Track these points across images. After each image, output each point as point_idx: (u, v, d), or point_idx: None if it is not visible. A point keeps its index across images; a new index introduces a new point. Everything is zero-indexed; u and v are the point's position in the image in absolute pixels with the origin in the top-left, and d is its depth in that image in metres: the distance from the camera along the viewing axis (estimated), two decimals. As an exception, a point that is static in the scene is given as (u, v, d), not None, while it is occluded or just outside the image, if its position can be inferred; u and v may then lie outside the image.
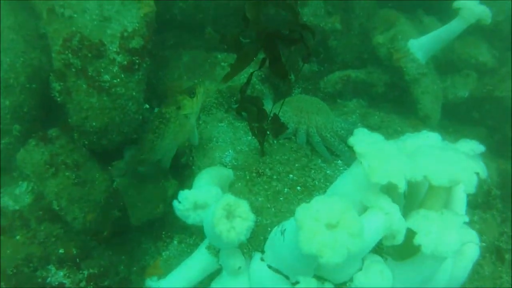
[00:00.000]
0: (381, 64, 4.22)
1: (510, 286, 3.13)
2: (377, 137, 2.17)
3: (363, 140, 2.12)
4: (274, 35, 2.53)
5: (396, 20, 4.29)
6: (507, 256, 3.26)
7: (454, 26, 3.81)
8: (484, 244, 3.23)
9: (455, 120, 4.46)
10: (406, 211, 2.28)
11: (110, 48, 3.17)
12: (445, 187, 2.12)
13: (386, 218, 2.09)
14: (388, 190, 2.16)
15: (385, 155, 2.05)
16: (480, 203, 3.54)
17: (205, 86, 3.13)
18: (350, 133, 3.17)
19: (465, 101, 4.40)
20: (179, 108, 2.94)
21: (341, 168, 3.01)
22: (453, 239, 2.01)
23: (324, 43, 4.29)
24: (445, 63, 4.49)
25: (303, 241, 1.82)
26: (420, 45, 4.00)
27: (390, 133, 3.73)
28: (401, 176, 2.00)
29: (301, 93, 4.09)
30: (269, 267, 2.28)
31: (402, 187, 1.99)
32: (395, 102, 4.24)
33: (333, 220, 1.85)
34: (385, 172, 1.99)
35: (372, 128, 3.78)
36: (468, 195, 2.79)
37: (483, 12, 3.72)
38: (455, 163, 2.10)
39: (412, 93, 3.99)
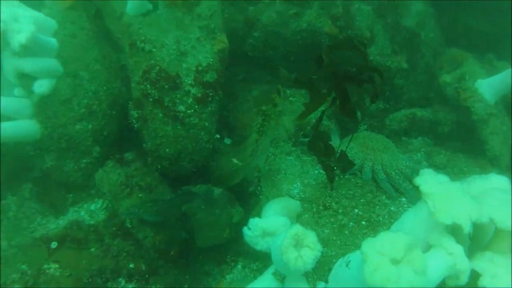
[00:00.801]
0: (447, 103, 4.21)
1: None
2: (443, 178, 2.21)
3: (429, 181, 2.17)
4: (344, 77, 2.64)
5: (464, 60, 4.29)
6: None
7: None
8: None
9: None
10: (471, 252, 2.30)
11: (186, 80, 3.36)
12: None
13: (449, 258, 2.11)
14: (453, 230, 2.18)
15: (451, 196, 2.09)
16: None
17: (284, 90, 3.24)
18: (415, 171, 3.26)
19: None
20: (275, 105, 3.05)
21: (405, 206, 3.04)
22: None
23: (390, 82, 4.33)
24: None
25: (368, 274, 1.89)
26: (489, 85, 3.95)
27: (456, 173, 3.71)
28: (466, 218, 2.03)
29: (367, 129, 4.14)
30: (333, 297, 2.35)
31: (466, 228, 2.02)
32: (462, 141, 4.19)
33: (398, 256, 1.90)
34: (450, 213, 2.03)
35: (437, 167, 3.79)
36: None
37: None
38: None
39: (480, 134, 3.93)
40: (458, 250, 2.13)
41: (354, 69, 2.74)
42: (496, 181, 2.46)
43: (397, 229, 2.39)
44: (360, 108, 3.88)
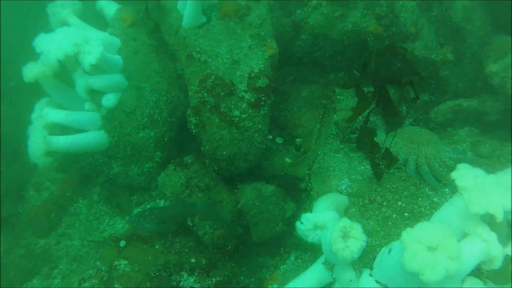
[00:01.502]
0: (494, 92, 4.22)
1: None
2: (478, 171, 2.37)
3: (464, 174, 2.33)
4: (387, 81, 2.86)
5: (510, 48, 4.31)
6: None
7: None
8: None
9: None
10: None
11: (240, 87, 3.60)
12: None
13: (484, 245, 2.28)
14: (488, 220, 2.34)
15: (484, 188, 2.25)
16: None
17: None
18: (459, 162, 3.38)
19: None
20: (332, 101, 3.25)
21: (448, 196, 3.16)
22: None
23: (435, 74, 4.42)
24: None
25: (406, 260, 2.11)
26: None
27: (502, 162, 3.74)
28: (499, 207, 2.19)
29: (412, 123, 4.21)
30: (377, 282, 2.56)
31: (499, 217, 2.18)
32: (509, 130, 4.15)
33: (434, 243, 2.11)
34: (483, 203, 2.20)
35: (482, 157, 3.85)
36: None
37: None
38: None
39: None
40: (492, 237, 2.30)
41: (396, 74, 2.96)
42: (532, 171, 2.58)
43: (436, 220, 2.57)
44: (404, 105, 4.02)
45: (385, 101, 2.95)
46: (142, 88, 3.87)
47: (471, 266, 2.33)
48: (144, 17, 4.12)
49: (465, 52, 4.44)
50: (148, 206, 3.96)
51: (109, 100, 3.72)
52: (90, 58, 3.44)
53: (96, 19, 4.19)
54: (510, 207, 2.25)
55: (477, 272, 2.45)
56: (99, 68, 3.60)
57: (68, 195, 4.06)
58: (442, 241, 2.12)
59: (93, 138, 3.77)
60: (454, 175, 2.38)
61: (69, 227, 3.94)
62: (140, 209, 3.88)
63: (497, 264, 2.31)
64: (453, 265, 2.07)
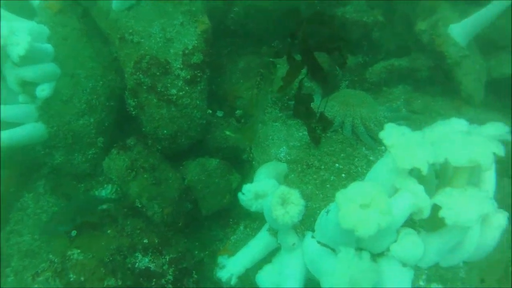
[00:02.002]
0: (424, 50, 4.34)
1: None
2: (404, 129, 2.49)
3: (391, 133, 2.45)
4: (316, 48, 2.95)
5: (437, 6, 4.39)
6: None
7: (493, 8, 3.87)
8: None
9: (503, 95, 4.53)
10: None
11: (175, 65, 3.62)
12: (467, 167, 2.42)
13: (412, 197, 2.43)
14: (416, 173, 2.48)
15: (410, 145, 2.38)
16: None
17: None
18: (393, 120, 3.53)
19: None
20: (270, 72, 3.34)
21: (384, 154, 3.29)
22: (472, 211, 2.31)
23: (367, 36, 4.53)
24: (489, 42, 4.47)
25: (341, 219, 2.23)
26: (461, 29, 4.08)
27: (434, 117, 3.89)
28: (424, 161, 2.32)
29: (348, 85, 4.30)
30: (319, 242, 2.69)
31: (425, 170, 2.32)
32: (440, 85, 4.34)
33: (366, 201, 2.23)
34: (409, 159, 2.33)
35: (415, 112, 4.01)
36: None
37: None
38: (474, 145, 2.39)
39: (455, 76, 4.10)
40: (419, 189, 2.44)
41: (324, 40, 3.05)
42: (454, 123, 2.73)
43: (369, 178, 2.70)
44: (339, 69, 4.13)
45: (313, 68, 3.03)
46: (76, 75, 3.83)
47: (403, 218, 2.48)
48: (72, 3, 4.06)
49: (395, 13, 4.57)
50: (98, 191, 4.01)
51: (43, 90, 3.66)
52: (18, 49, 3.36)
53: (22, 8, 4.07)
54: (434, 159, 2.38)
55: (410, 222, 2.60)
56: (29, 59, 3.51)
57: (12, 191, 4.00)
58: (373, 198, 2.24)
59: (31, 130, 3.70)
60: (381, 134, 2.49)
61: (18, 223, 3.88)
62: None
63: (426, 213, 2.46)
64: (384, 219, 2.20)
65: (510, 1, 3.80)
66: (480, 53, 4.36)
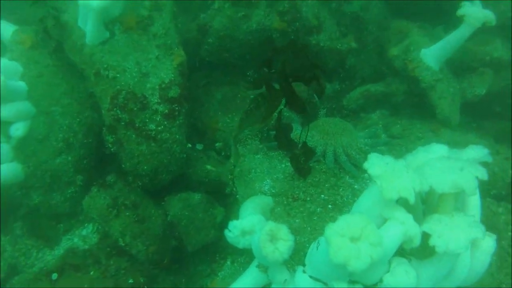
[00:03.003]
0: (398, 74, 4.40)
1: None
2: (387, 158, 2.50)
3: (375, 163, 2.45)
4: (293, 77, 2.95)
5: (408, 31, 4.50)
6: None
7: (461, 33, 3.96)
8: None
9: (478, 116, 4.59)
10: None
11: (152, 100, 3.59)
12: (452, 193, 2.44)
13: (402, 227, 2.42)
14: (403, 203, 2.49)
15: (395, 174, 2.38)
16: (504, 195, 3.79)
17: None
18: (374, 146, 3.55)
19: (485, 97, 4.48)
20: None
21: (368, 181, 3.31)
22: (461, 237, 2.32)
23: (342, 63, 4.57)
24: (460, 64, 4.55)
25: (332, 254, 2.20)
26: (432, 53, 4.17)
27: (413, 140, 3.95)
28: (410, 191, 2.32)
29: (326, 113, 4.31)
30: (310, 277, 2.65)
31: (411, 199, 2.31)
32: (416, 107, 4.40)
33: (356, 234, 2.21)
34: (395, 189, 2.33)
35: (395, 137, 4.06)
36: (493, 190, 3.21)
37: (487, 16, 3.82)
38: (457, 171, 2.41)
39: (430, 99, 4.16)
40: (408, 218, 2.44)
41: (300, 69, 3.05)
42: (436, 150, 2.76)
43: (356, 210, 2.69)
44: (310, 103, 4.14)
45: (291, 97, 3.04)
46: (52, 113, 3.78)
47: (394, 248, 2.46)
48: (44, 37, 3.99)
49: (367, 39, 4.63)
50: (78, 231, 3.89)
51: (18, 129, 3.60)
52: (-10, 89, 3.30)
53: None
54: (419, 188, 2.39)
55: (401, 251, 2.59)
56: (2, 97, 3.46)
57: (-13, 235, 3.89)
58: (362, 230, 2.23)
59: (6, 170, 3.62)
60: (366, 165, 2.49)
61: (-6, 268, 3.78)
62: None
63: (417, 241, 2.44)
64: (375, 251, 2.19)
65: (477, 26, 3.89)
66: (453, 76, 4.45)
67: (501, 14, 4.13)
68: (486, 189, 3.70)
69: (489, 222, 2.90)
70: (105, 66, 3.66)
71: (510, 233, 3.49)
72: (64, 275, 3.42)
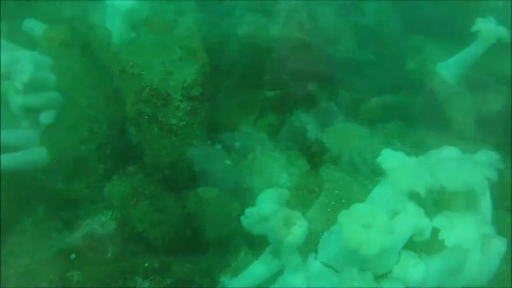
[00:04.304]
0: (414, 86, 4.47)
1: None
2: (399, 154, 2.60)
3: (388, 158, 2.56)
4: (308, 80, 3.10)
5: (424, 45, 4.62)
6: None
7: (476, 48, 4.03)
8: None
9: (495, 132, 4.64)
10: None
11: (175, 97, 3.71)
12: (463, 192, 2.52)
13: (413, 219, 2.51)
14: (414, 197, 2.57)
15: (407, 169, 2.48)
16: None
17: None
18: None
19: (502, 114, 4.41)
20: None
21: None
22: (471, 232, 2.41)
23: (360, 73, 4.69)
24: (476, 80, 4.56)
25: (345, 238, 2.30)
26: (448, 67, 4.22)
27: (427, 150, 4.05)
28: (421, 185, 2.42)
29: (343, 120, 4.34)
30: (322, 263, 2.74)
31: (422, 193, 2.41)
32: (431, 119, 4.40)
33: (368, 222, 2.31)
34: (407, 182, 2.43)
35: (410, 146, 4.15)
36: (505, 202, 3.30)
37: (501, 32, 3.91)
38: (468, 170, 2.51)
39: (445, 112, 4.20)
40: (419, 212, 2.54)
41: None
42: (448, 151, 2.85)
43: (368, 202, 2.79)
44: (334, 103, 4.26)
45: (308, 100, 3.16)
46: (79, 104, 3.93)
47: (404, 238, 2.55)
48: (73, 36, 4.18)
49: (384, 52, 4.74)
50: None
51: (46, 117, 3.76)
52: (22, 77, 3.49)
53: (24, 39, 4.17)
54: (430, 184, 2.48)
55: (411, 245, 2.67)
56: (33, 87, 3.62)
57: (11, 215, 4.00)
58: (374, 218, 2.32)
59: (32, 155, 3.77)
60: (379, 159, 2.60)
61: (16, 246, 3.87)
62: None
63: (427, 235, 2.54)
64: (386, 239, 2.29)
65: (489, 44, 3.96)
66: (469, 91, 4.50)
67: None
68: (498, 200, 3.74)
69: (501, 233, 2.94)
70: (131, 64, 3.79)
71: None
72: (82, 256, 3.50)
